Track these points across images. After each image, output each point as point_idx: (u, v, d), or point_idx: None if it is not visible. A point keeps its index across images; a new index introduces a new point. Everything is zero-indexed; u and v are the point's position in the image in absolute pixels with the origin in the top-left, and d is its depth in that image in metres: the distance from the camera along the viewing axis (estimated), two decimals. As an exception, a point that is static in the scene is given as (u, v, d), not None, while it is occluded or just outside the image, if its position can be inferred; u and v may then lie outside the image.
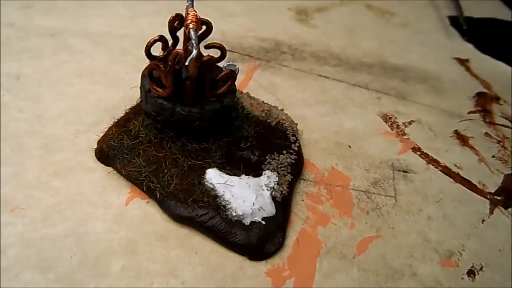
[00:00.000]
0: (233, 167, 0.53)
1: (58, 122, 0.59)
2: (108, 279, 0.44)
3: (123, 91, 0.64)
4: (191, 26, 0.47)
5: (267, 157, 0.56)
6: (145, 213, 0.50)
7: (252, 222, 0.49)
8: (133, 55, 0.73)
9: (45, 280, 0.43)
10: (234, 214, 0.49)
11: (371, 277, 0.49)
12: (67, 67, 0.69)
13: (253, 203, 0.49)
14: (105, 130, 0.56)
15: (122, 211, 0.50)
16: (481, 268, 0.52)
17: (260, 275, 0.47)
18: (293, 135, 0.61)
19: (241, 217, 0.49)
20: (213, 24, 0.52)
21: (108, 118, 0.58)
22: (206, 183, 0.51)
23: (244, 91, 0.67)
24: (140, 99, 0.56)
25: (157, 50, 0.53)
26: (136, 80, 0.55)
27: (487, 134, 0.74)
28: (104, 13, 0.84)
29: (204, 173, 0.52)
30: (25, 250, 0.45)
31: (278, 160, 0.56)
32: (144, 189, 0.51)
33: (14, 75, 0.65)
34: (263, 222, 0.49)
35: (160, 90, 0.50)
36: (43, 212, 0.48)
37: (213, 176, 0.51)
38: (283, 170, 0.55)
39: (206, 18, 0.51)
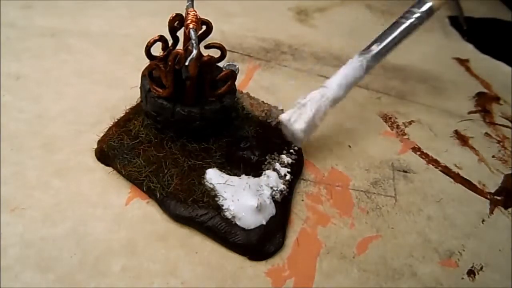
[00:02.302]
0: (233, 167, 0.53)
1: (58, 122, 0.59)
2: (108, 279, 0.44)
3: (123, 91, 0.64)
4: (191, 26, 0.47)
5: (267, 157, 0.56)
6: (145, 213, 0.50)
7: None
8: (133, 55, 0.73)
9: (45, 280, 0.43)
10: (232, 215, 0.49)
11: (371, 277, 0.49)
12: (67, 67, 0.69)
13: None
14: (105, 130, 0.56)
15: (122, 211, 0.50)
16: (481, 268, 0.52)
17: (260, 275, 0.47)
18: (293, 135, 0.61)
19: (240, 219, 0.49)
20: (213, 24, 0.52)
21: (108, 118, 0.58)
22: (206, 183, 0.51)
23: (244, 91, 0.67)
24: (140, 99, 0.56)
25: (157, 50, 0.53)
26: (136, 80, 0.55)
27: (487, 134, 0.74)
28: (104, 13, 0.84)
29: (204, 173, 0.51)
30: (25, 250, 0.45)
31: (278, 160, 0.56)
32: (144, 189, 0.51)
33: (14, 75, 0.65)
34: (263, 222, 0.49)
35: (160, 90, 0.50)
36: (43, 212, 0.48)
37: (213, 176, 0.51)
38: (283, 170, 0.55)
39: (206, 18, 0.51)
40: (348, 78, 0.59)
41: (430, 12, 0.62)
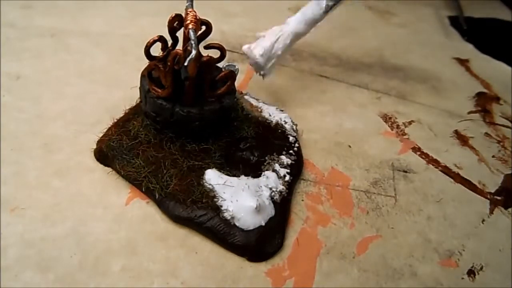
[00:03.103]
0: (232, 167, 0.53)
1: (58, 122, 0.59)
2: (108, 279, 0.44)
3: (123, 91, 0.64)
4: (190, 26, 0.47)
5: (266, 157, 0.56)
6: (145, 213, 0.50)
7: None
8: (133, 55, 0.73)
9: (45, 280, 0.43)
10: (231, 216, 0.49)
11: (371, 277, 0.49)
12: (67, 67, 0.69)
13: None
14: (105, 130, 0.56)
15: (122, 211, 0.50)
16: (481, 268, 0.52)
17: (260, 275, 0.47)
18: (293, 135, 0.61)
19: (239, 220, 0.49)
20: (213, 24, 0.52)
21: (108, 118, 0.58)
22: (205, 183, 0.51)
23: (244, 91, 0.67)
24: (139, 99, 0.56)
25: (157, 51, 0.53)
26: (136, 80, 0.55)
27: (487, 134, 0.74)
28: (104, 13, 0.84)
29: (203, 173, 0.51)
30: (25, 250, 0.45)
31: (278, 160, 0.56)
32: (143, 190, 0.51)
33: (14, 75, 0.65)
34: (262, 223, 0.49)
35: (159, 90, 0.50)
36: (43, 212, 0.48)
37: (212, 177, 0.51)
38: (282, 170, 0.55)
39: (205, 18, 0.51)
40: (306, 14, 0.65)
41: None
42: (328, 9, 0.65)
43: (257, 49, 0.63)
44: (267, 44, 0.63)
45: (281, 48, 0.63)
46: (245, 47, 0.64)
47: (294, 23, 0.65)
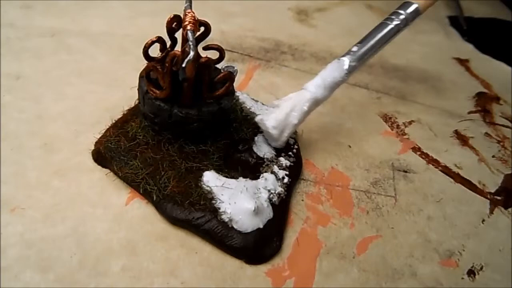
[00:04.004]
0: (230, 169, 0.53)
1: (58, 122, 0.59)
2: (108, 279, 0.44)
3: (122, 91, 0.64)
4: (188, 27, 0.47)
5: (265, 159, 0.55)
6: (145, 213, 0.50)
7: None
8: (133, 55, 0.73)
9: (45, 280, 0.43)
10: (229, 218, 0.48)
11: (371, 277, 0.49)
12: (67, 67, 0.69)
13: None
14: (103, 131, 0.56)
15: (122, 211, 0.50)
16: (481, 268, 0.52)
17: (260, 275, 0.47)
18: (292, 137, 0.60)
19: (236, 222, 0.48)
20: (212, 24, 0.52)
21: (107, 118, 0.58)
22: (203, 185, 0.50)
23: (244, 91, 0.67)
24: (138, 100, 0.56)
25: (156, 51, 0.53)
26: (136, 80, 0.55)
27: (487, 134, 0.74)
28: (104, 13, 0.84)
29: (201, 175, 0.51)
30: (25, 250, 0.45)
31: (277, 162, 0.56)
32: (141, 192, 0.51)
33: (14, 75, 0.65)
34: (260, 226, 0.49)
35: (157, 91, 0.50)
36: (43, 212, 0.48)
37: (210, 179, 0.51)
38: (281, 172, 0.55)
39: (205, 18, 0.51)
40: (326, 79, 0.58)
41: (416, 14, 0.61)
42: (352, 70, 0.59)
43: (270, 121, 0.56)
44: (281, 115, 0.56)
45: (297, 116, 0.57)
46: (258, 118, 0.57)
47: (313, 89, 0.57)
